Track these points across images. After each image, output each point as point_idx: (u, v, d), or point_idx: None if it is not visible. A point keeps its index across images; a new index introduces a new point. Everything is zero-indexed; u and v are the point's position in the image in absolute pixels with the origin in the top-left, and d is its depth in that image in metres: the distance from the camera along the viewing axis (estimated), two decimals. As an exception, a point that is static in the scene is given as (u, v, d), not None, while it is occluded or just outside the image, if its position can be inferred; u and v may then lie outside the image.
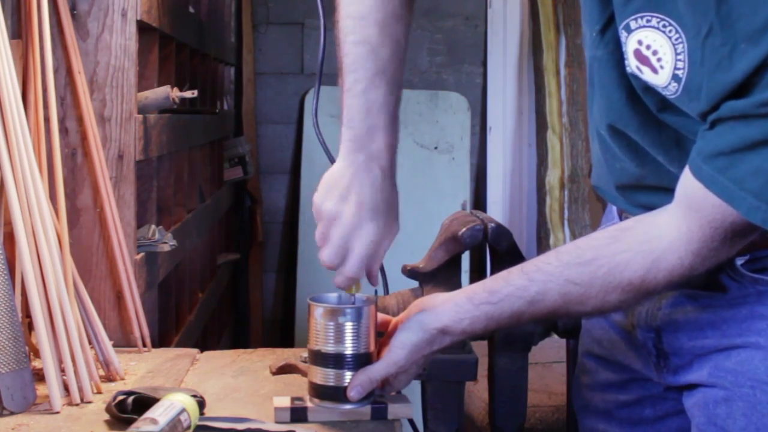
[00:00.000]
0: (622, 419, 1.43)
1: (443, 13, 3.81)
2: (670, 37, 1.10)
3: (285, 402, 1.30)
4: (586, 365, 1.50)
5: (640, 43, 1.13)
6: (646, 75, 1.14)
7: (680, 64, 1.10)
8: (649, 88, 1.16)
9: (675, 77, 1.11)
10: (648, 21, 1.12)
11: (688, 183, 1.10)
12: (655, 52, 1.12)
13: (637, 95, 1.19)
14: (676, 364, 1.30)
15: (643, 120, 1.21)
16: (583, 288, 1.18)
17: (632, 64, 1.16)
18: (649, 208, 1.23)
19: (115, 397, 1.31)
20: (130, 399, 1.29)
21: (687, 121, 1.13)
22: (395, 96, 1.33)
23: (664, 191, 1.18)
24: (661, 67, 1.12)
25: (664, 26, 1.10)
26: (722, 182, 1.06)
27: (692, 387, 1.29)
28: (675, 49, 1.10)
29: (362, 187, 1.29)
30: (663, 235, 1.14)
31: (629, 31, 1.14)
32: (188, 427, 1.23)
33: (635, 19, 1.13)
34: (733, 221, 1.08)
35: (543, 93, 3.71)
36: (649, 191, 1.27)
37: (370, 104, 1.31)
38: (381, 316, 1.33)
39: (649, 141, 1.23)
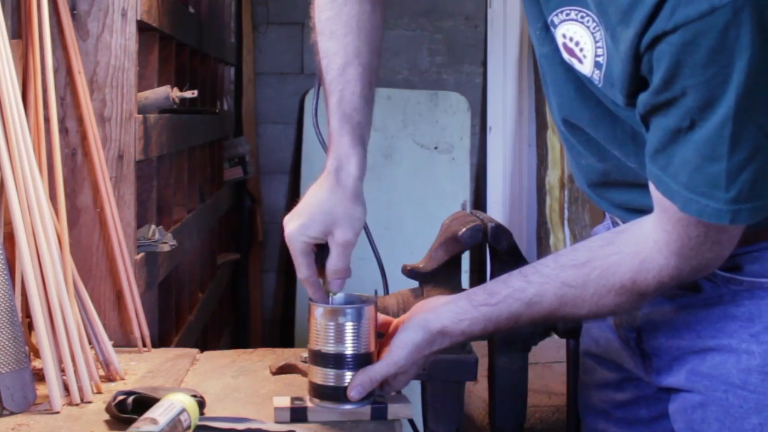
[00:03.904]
0: (619, 419, 1.43)
1: (443, 13, 3.81)
2: (588, 27, 1.12)
3: (285, 402, 1.30)
4: (585, 364, 1.51)
5: (564, 36, 1.16)
6: (577, 66, 1.16)
7: (600, 51, 1.12)
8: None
9: (597, 65, 1.12)
10: (567, 15, 1.14)
11: (651, 185, 1.11)
12: (578, 43, 1.14)
13: (586, 89, 1.20)
14: (658, 366, 1.31)
15: (595, 114, 1.21)
16: (578, 290, 1.18)
17: (565, 57, 1.17)
18: (623, 207, 1.23)
19: (115, 397, 1.31)
20: (130, 399, 1.29)
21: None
22: (350, 104, 1.33)
23: (631, 187, 1.18)
24: (584, 56, 1.14)
25: (582, 17, 1.12)
26: (664, 180, 1.07)
27: (673, 392, 1.29)
28: (594, 38, 1.12)
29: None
30: (648, 236, 1.14)
31: (554, 26, 1.17)
32: (188, 427, 1.23)
33: (557, 15, 1.16)
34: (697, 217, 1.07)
35: (543, 93, 3.70)
36: (618, 188, 1.27)
37: (329, 111, 1.34)
38: (381, 317, 1.33)
39: (602, 135, 1.23)
